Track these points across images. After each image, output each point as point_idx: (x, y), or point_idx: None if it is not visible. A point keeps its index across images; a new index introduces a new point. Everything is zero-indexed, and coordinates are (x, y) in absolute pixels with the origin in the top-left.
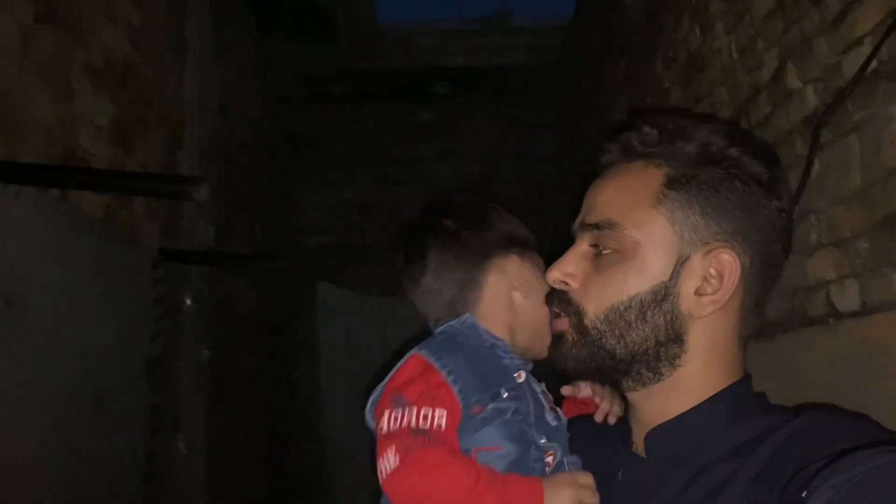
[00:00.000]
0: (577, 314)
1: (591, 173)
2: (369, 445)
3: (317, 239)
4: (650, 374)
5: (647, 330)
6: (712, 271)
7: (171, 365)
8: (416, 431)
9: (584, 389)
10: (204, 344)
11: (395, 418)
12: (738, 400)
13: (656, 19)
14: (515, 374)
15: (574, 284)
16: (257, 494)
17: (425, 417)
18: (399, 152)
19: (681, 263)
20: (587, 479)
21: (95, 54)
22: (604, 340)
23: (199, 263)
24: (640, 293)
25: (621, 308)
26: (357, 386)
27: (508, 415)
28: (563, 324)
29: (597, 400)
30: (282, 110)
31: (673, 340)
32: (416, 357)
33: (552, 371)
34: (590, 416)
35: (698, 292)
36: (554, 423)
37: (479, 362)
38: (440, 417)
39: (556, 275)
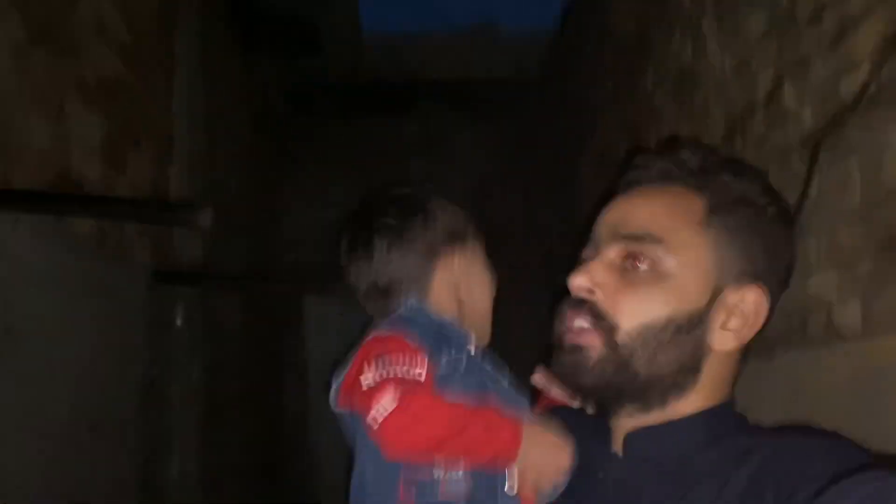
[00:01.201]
0: (610, 329)
1: (609, 190)
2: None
3: (303, 255)
4: (657, 401)
5: (674, 354)
6: (742, 308)
7: (163, 388)
8: (405, 382)
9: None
10: (195, 365)
11: (382, 372)
12: (721, 421)
13: (646, 34)
14: (468, 345)
15: (601, 295)
16: None
17: (408, 371)
18: (385, 167)
19: (716, 293)
20: (568, 443)
21: (88, 73)
22: (634, 359)
23: (193, 284)
24: (679, 316)
25: (657, 328)
26: None
27: (461, 367)
28: (591, 338)
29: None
30: (267, 125)
31: (690, 370)
32: (378, 335)
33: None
34: (565, 410)
35: (724, 326)
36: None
37: (432, 332)
38: (419, 373)
39: (583, 282)
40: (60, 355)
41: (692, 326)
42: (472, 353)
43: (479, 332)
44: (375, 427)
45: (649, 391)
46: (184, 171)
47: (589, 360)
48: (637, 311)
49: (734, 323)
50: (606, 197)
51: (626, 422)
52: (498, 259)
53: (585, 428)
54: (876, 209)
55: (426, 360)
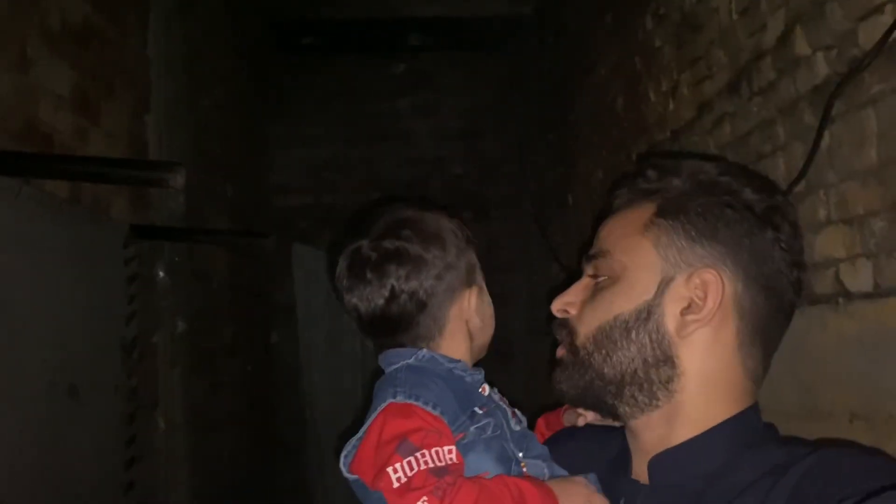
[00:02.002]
0: (570, 336)
1: (601, 217)
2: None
3: (291, 198)
4: (645, 399)
5: (633, 349)
6: (699, 293)
7: (146, 342)
8: (438, 472)
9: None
10: (179, 316)
11: (409, 465)
12: (745, 430)
13: None
14: (480, 389)
15: (573, 312)
16: (241, 463)
17: (439, 455)
18: (374, 107)
19: (665, 284)
20: (601, 500)
21: (52, 17)
22: (592, 360)
23: (173, 239)
24: (624, 312)
25: (607, 328)
26: (337, 347)
27: (489, 431)
28: (562, 349)
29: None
30: (251, 65)
31: (663, 362)
32: (395, 404)
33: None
34: (575, 438)
35: (683, 313)
36: (517, 427)
37: (448, 387)
38: (450, 452)
39: (557, 305)
40: (35, 318)
41: (643, 319)
42: (488, 391)
43: (482, 351)
44: None
45: (625, 389)
46: (162, 118)
47: (562, 369)
48: (591, 317)
49: (693, 308)
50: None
51: (646, 444)
52: (491, 196)
53: (608, 458)
54: (893, 165)
55: (450, 432)
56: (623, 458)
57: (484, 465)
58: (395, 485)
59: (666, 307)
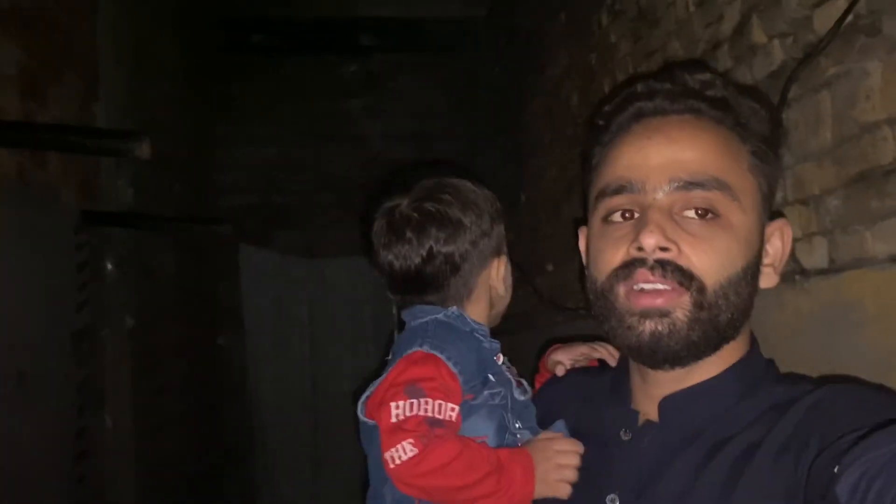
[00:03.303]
0: (700, 289)
1: (604, 125)
2: (356, 433)
3: (239, 198)
4: (711, 351)
5: (748, 301)
6: (776, 242)
7: (94, 335)
8: (433, 422)
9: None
10: (127, 311)
11: (410, 407)
12: (753, 370)
13: None
14: (495, 357)
15: (677, 252)
16: (188, 464)
17: (440, 409)
18: (325, 107)
19: (765, 238)
20: (568, 442)
21: None
22: (721, 317)
23: (124, 226)
24: (750, 264)
25: (738, 279)
26: (283, 348)
27: (497, 399)
28: (677, 299)
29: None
30: (201, 61)
31: (748, 313)
32: (421, 352)
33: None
34: (571, 375)
35: (767, 264)
36: (521, 397)
37: (471, 349)
38: (452, 409)
39: (658, 240)
40: None
41: (757, 271)
42: (501, 360)
43: (497, 319)
44: (391, 466)
45: (721, 343)
46: (111, 107)
47: (679, 323)
48: (720, 266)
49: (773, 259)
50: (602, 132)
51: (661, 385)
52: None
53: (601, 391)
54: (848, 144)
55: (460, 391)
56: (619, 389)
57: (483, 429)
58: (393, 419)
59: (763, 260)
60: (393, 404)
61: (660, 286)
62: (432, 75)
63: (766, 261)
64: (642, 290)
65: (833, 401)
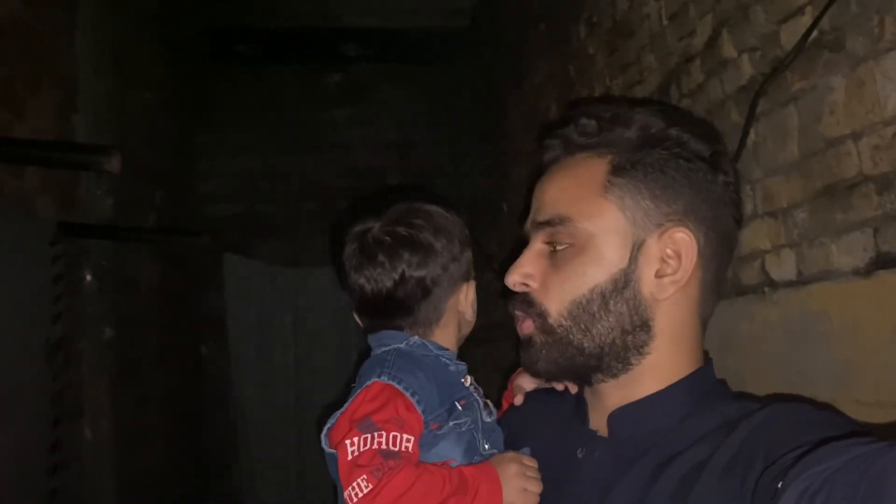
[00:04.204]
0: (541, 315)
1: (535, 172)
2: (327, 464)
3: (222, 208)
4: (619, 365)
5: (611, 320)
6: (669, 252)
7: (72, 347)
8: (387, 454)
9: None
10: (107, 322)
11: (364, 442)
12: (702, 386)
13: None
14: (462, 379)
15: (534, 285)
16: (170, 475)
17: (395, 441)
18: (309, 117)
19: (637, 248)
20: (529, 460)
21: None
22: (571, 337)
23: (102, 238)
24: (600, 283)
25: (583, 301)
26: (267, 357)
27: (464, 427)
28: (529, 327)
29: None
30: (183, 70)
31: (639, 327)
32: (379, 384)
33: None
34: (536, 394)
35: (658, 274)
36: (488, 419)
37: (434, 376)
38: (408, 441)
39: (515, 278)
40: None
41: (620, 288)
42: (469, 382)
43: (463, 339)
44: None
45: (604, 359)
46: (90, 118)
47: (535, 348)
48: (562, 291)
49: (667, 269)
50: (533, 182)
51: (608, 400)
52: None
53: (564, 409)
54: (813, 158)
55: (420, 419)
56: (580, 410)
57: (451, 453)
58: (349, 457)
59: (641, 272)
60: (348, 442)
61: (518, 314)
62: (415, 85)
63: (662, 271)
64: (516, 320)
65: (779, 419)
